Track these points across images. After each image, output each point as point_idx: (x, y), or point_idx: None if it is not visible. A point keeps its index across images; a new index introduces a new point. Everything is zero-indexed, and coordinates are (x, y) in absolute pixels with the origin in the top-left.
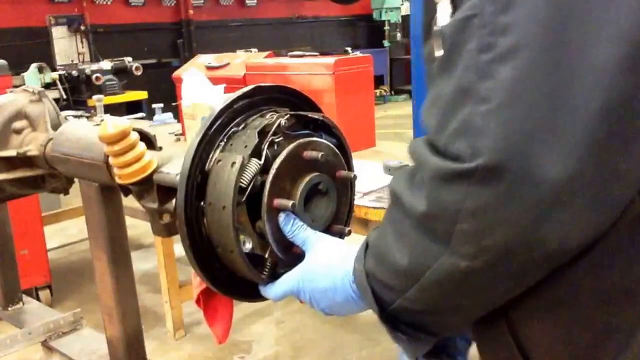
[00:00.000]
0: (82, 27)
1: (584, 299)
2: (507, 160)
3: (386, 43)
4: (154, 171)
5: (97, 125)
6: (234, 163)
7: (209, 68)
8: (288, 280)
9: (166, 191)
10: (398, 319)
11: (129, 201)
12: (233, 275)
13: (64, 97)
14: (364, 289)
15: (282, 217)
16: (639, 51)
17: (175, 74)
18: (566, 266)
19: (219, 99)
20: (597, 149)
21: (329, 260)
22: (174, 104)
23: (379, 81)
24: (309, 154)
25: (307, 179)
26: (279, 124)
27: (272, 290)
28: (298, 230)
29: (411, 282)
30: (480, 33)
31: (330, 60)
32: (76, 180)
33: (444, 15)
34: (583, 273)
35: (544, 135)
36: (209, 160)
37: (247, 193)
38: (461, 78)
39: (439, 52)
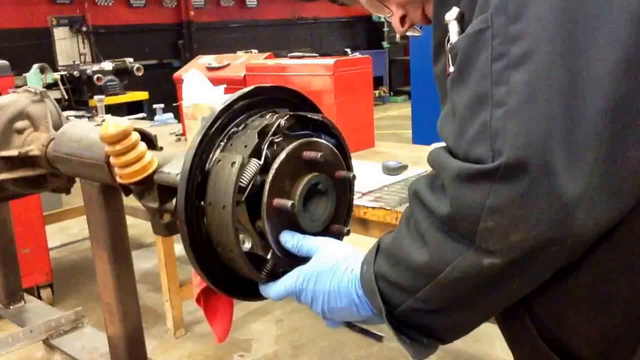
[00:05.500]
0: (84, 28)
1: (615, 291)
2: (527, 156)
3: (385, 44)
4: (155, 171)
5: (98, 125)
6: (233, 163)
7: (210, 69)
8: (290, 280)
9: (167, 191)
10: (404, 322)
11: (130, 200)
12: (233, 274)
13: (66, 97)
14: (371, 291)
15: (282, 237)
16: (632, 55)
17: (176, 74)
18: (596, 262)
19: (219, 99)
20: (605, 146)
21: (335, 263)
22: (174, 104)
23: (378, 82)
24: (308, 154)
25: (306, 178)
26: (279, 125)
27: (272, 289)
28: (301, 242)
29: (427, 280)
30: (492, 44)
31: (329, 61)
32: (77, 179)
33: (453, 34)
34: (614, 266)
35: (560, 132)
36: (209, 160)
37: (246, 192)
38: (476, 87)
39: (451, 68)
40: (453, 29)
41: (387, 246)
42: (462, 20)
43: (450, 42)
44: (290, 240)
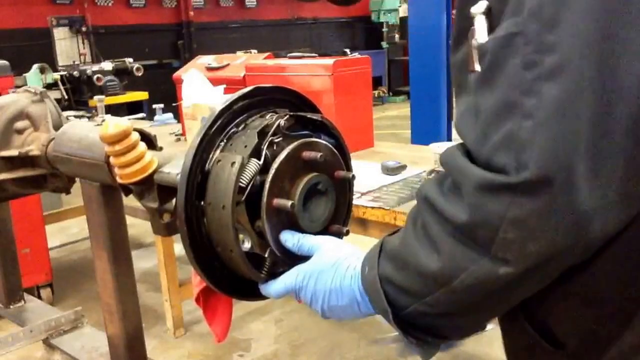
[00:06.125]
0: (84, 28)
1: (607, 292)
2: (552, 173)
3: (384, 44)
4: (155, 171)
5: (98, 125)
6: (233, 163)
7: (209, 69)
8: (290, 277)
9: (166, 191)
10: (409, 323)
11: (130, 200)
12: (233, 274)
13: (66, 97)
14: (375, 294)
15: (282, 236)
16: None
17: (176, 74)
18: (592, 263)
19: (219, 99)
20: (624, 162)
21: (336, 261)
22: (174, 104)
23: (377, 82)
24: (308, 154)
25: (306, 179)
26: (279, 125)
27: (272, 287)
28: (301, 241)
29: (438, 286)
30: (525, 50)
31: (329, 61)
32: (77, 179)
33: (481, 30)
34: (608, 269)
35: (584, 148)
36: (209, 160)
37: (246, 193)
38: (505, 93)
39: (477, 66)
40: (481, 23)
41: (393, 249)
42: (489, 14)
43: (475, 36)
44: (291, 239)
